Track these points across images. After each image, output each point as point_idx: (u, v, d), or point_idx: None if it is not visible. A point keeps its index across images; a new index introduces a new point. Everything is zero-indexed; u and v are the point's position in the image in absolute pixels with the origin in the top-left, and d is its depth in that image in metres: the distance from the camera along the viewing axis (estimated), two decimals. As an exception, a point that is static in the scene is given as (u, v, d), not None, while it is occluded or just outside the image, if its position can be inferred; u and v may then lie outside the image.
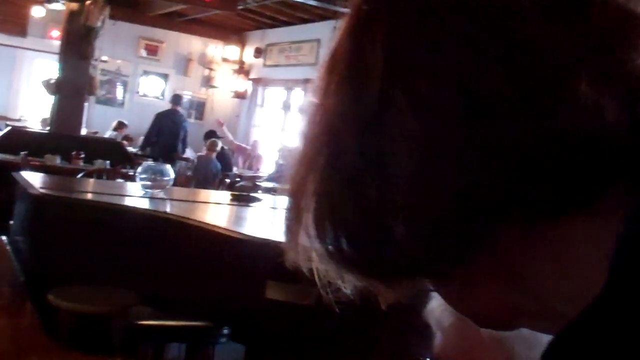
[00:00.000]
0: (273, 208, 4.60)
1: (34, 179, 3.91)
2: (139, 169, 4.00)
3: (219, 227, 3.09)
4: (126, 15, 11.87)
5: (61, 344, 2.82)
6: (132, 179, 6.49)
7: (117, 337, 3.00)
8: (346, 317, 2.97)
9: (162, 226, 3.23)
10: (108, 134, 11.29)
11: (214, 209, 4.07)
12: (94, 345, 3.00)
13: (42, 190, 3.45)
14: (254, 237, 3.03)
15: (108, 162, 8.12)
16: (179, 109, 11.20)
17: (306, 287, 3.02)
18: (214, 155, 9.87)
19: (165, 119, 10.80)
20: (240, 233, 3.06)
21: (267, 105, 13.29)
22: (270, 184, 9.81)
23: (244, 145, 12.26)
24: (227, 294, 2.96)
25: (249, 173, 11.04)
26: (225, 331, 2.78)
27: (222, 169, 9.82)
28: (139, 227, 3.28)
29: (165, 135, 10.64)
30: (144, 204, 3.66)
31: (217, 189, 9.12)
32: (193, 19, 12.60)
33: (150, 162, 4.00)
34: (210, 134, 10.49)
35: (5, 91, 12.86)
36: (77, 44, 8.88)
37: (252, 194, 4.49)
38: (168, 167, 4.01)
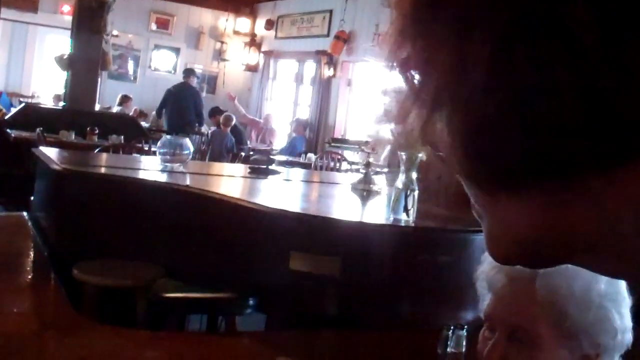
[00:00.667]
0: (289, 180, 4.61)
1: (53, 155, 3.92)
2: (158, 143, 4.00)
3: (241, 200, 3.09)
4: (137, -12, 11.85)
5: (87, 318, 2.84)
6: (147, 153, 6.51)
7: (142, 310, 3.02)
8: (369, 287, 2.99)
9: (185, 199, 3.23)
10: (115, 109, 11.30)
11: (234, 182, 4.07)
12: (120, 318, 3.02)
13: (63, 166, 3.46)
14: (276, 208, 3.04)
15: (122, 137, 8.15)
16: (192, 82, 11.18)
17: (330, 257, 3.03)
18: (228, 130, 9.87)
19: (176, 93, 10.80)
20: (263, 205, 3.07)
21: (280, 78, 13.26)
22: (283, 157, 9.83)
23: (256, 119, 12.25)
24: (251, 266, 2.97)
25: (263, 147, 11.04)
26: (251, 302, 2.80)
27: (236, 142, 9.82)
28: (161, 201, 3.29)
29: (176, 109, 10.65)
30: (164, 177, 3.67)
31: (231, 162, 9.16)
32: (204, -9, 12.55)
33: (168, 137, 4.00)
34: (215, 111, 10.46)
35: (18, 68, 12.87)
36: (89, 18, 8.86)
37: (269, 167, 4.48)
38: (187, 140, 4.01)
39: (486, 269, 1.48)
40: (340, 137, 10.54)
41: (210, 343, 2.62)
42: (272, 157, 9.90)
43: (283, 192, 4.01)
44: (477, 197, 0.45)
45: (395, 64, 0.46)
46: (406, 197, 2.99)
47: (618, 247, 0.41)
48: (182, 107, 10.67)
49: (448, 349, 2.69)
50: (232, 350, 2.51)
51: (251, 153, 9.87)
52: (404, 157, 3.00)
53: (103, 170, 3.78)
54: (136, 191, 3.38)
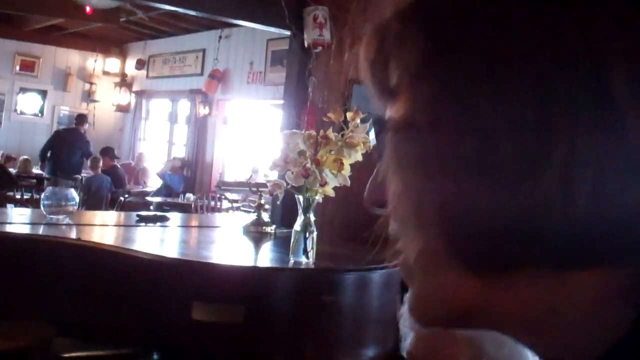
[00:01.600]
0: (182, 226, 4.55)
1: None
2: (43, 195, 3.85)
3: (137, 251, 3.03)
4: (0, 30, 11.40)
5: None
6: (21, 203, 6.25)
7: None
8: (273, 331, 3.00)
9: (77, 253, 3.13)
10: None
11: (124, 232, 3.98)
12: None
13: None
14: (176, 258, 3.00)
15: (-8, 185, 7.77)
16: (83, 129, 10.88)
17: (233, 306, 3.01)
18: (99, 171, 9.62)
19: (66, 137, 10.46)
20: (161, 255, 3.02)
21: (153, 117, 13.08)
22: (159, 199, 9.65)
23: (128, 161, 12.00)
24: (152, 318, 2.91)
25: (137, 188, 10.81)
26: (155, 356, 2.74)
27: (116, 186, 9.57)
28: (50, 256, 3.17)
29: (65, 152, 10.28)
30: (51, 231, 3.54)
31: (107, 208, 8.90)
32: (72, 33, 12.23)
33: (53, 188, 3.87)
34: (106, 151, 10.19)
35: None
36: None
37: (158, 214, 4.42)
38: (72, 191, 3.89)
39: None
40: (227, 180, 10.48)
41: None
42: (148, 199, 9.71)
43: (177, 239, 3.96)
44: (418, 256, 0.46)
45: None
46: (305, 239, 3.03)
47: (550, 330, 0.44)
48: (72, 151, 10.30)
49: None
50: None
51: (126, 196, 9.65)
52: (300, 200, 3.05)
53: (-16, 226, 3.59)
54: (24, 247, 3.24)
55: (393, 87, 0.46)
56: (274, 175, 3.23)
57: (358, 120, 3.04)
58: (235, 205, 9.05)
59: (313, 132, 3.10)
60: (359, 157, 3.01)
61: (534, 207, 0.40)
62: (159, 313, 2.90)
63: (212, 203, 8.85)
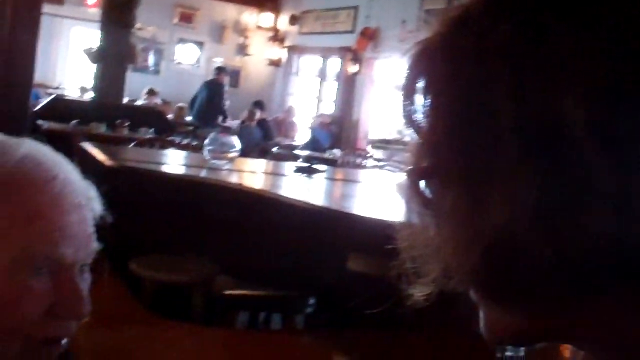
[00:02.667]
0: (339, 180, 4.63)
1: (98, 150, 3.95)
2: (206, 141, 4.02)
3: (298, 200, 3.12)
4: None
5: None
6: (179, 147, 6.54)
7: (198, 306, 3.05)
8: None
9: (239, 198, 3.26)
10: (140, 102, 11.33)
11: (282, 180, 4.10)
12: (176, 314, 3.05)
13: (118, 162, 3.50)
14: (335, 209, 3.06)
15: (152, 130, 8.19)
16: (222, 80, 11.27)
17: (389, 259, 3.04)
18: (254, 123, 9.90)
19: (205, 88, 10.89)
20: (321, 206, 3.09)
21: (303, 73, 13.26)
22: (306, 152, 9.82)
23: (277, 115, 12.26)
24: (310, 265, 3.00)
25: (286, 142, 11.04)
26: (311, 301, 2.82)
27: (264, 137, 9.84)
28: (214, 199, 3.32)
29: (203, 103, 10.72)
30: (213, 175, 3.69)
31: (258, 157, 9.17)
32: (229, -14, 12.56)
33: (216, 134, 4.02)
34: (257, 104, 10.47)
35: (44, 60, 12.89)
36: (119, 12, 8.90)
37: (313, 166, 4.50)
38: (235, 138, 4.03)
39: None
40: (384, 138, 10.48)
41: (273, 341, 2.65)
42: (295, 152, 9.92)
43: (334, 192, 4.03)
44: (478, 297, 0.48)
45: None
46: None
47: (611, 344, 0.44)
48: (211, 101, 10.73)
49: (507, 353, 2.72)
50: (294, 349, 2.53)
51: (275, 148, 9.89)
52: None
53: (153, 166, 3.80)
54: (190, 188, 3.41)
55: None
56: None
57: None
58: (380, 164, 9.09)
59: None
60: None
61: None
62: (317, 261, 2.98)
63: (358, 160, 8.93)
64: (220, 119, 10.73)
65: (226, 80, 11.50)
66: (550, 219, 0.40)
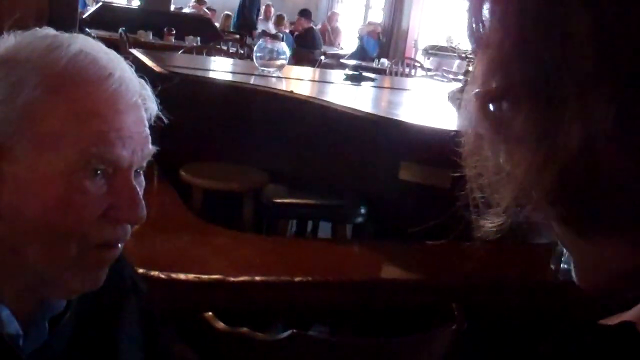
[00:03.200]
0: (390, 88, 4.55)
1: (148, 57, 3.92)
2: (255, 47, 3.97)
3: (348, 107, 3.06)
4: None
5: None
6: (228, 55, 6.49)
7: (248, 214, 3.06)
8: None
9: (288, 105, 3.22)
10: (186, 9, 11.24)
11: (331, 88, 4.03)
12: (225, 221, 3.06)
13: (168, 68, 3.47)
14: (386, 117, 3.00)
15: (198, 38, 8.13)
16: None
17: (440, 169, 2.99)
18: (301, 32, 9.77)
19: None
20: (371, 113, 3.03)
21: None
22: (353, 61, 9.68)
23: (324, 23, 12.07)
24: (360, 173, 2.97)
25: (331, 50, 10.89)
26: (362, 210, 2.80)
27: (309, 46, 9.71)
28: (265, 107, 3.29)
29: (243, 9, 10.59)
30: (263, 82, 3.65)
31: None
32: None
33: (264, 41, 3.95)
34: (303, 13, 10.29)
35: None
36: None
37: (362, 73, 4.42)
38: (283, 45, 3.96)
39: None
40: (435, 44, 10.28)
41: (322, 249, 2.66)
42: (342, 61, 9.78)
43: (383, 100, 3.96)
44: (564, 235, 0.46)
45: None
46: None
47: None
48: (249, 7, 10.59)
49: (561, 265, 2.68)
50: (343, 258, 2.53)
51: (322, 57, 9.76)
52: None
53: (203, 73, 3.77)
54: (239, 95, 3.38)
55: None
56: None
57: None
58: (429, 73, 8.93)
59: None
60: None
61: None
62: (367, 169, 2.95)
63: (407, 70, 8.77)
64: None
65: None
66: (632, 133, 0.37)
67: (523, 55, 0.41)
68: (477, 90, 0.45)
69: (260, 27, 11.02)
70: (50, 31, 0.88)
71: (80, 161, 0.81)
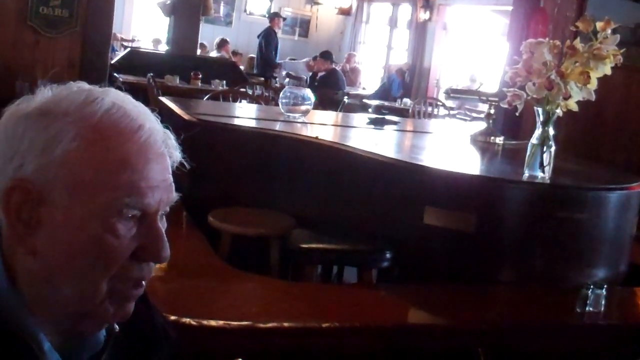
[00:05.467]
0: (407, 131, 4.60)
1: (176, 104, 4.01)
2: (281, 94, 4.05)
3: (373, 152, 3.12)
4: None
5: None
6: (252, 99, 6.59)
7: (275, 259, 3.11)
8: (504, 245, 2.98)
9: (315, 151, 3.28)
10: (212, 53, 11.42)
11: (356, 133, 4.10)
12: (252, 266, 3.11)
13: (197, 117, 3.56)
14: (410, 162, 3.05)
15: (224, 81, 8.26)
16: (276, 26, 11.18)
17: (465, 214, 3.03)
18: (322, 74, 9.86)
19: (261, 37, 10.89)
20: (396, 159, 3.09)
21: (373, 21, 13.11)
22: (376, 102, 9.76)
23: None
24: (386, 219, 3.01)
25: (354, 90, 10.98)
26: (388, 255, 2.84)
27: (332, 87, 9.79)
28: (291, 152, 3.35)
29: (260, 51, 10.73)
30: (289, 128, 3.72)
31: (329, 108, 9.16)
32: None
33: (291, 87, 4.04)
34: (324, 55, 10.41)
35: (118, 12, 13.08)
36: (189, -37, 8.94)
37: (385, 117, 4.48)
38: (308, 91, 4.04)
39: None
40: (457, 86, 10.36)
41: (348, 295, 2.69)
42: (365, 101, 9.86)
43: (407, 144, 4.02)
44: None
45: None
46: (542, 152, 2.95)
47: None
48: (262, 52, 10.71)
49: (587, 308, 2.70)
50: (369, 302, 2.56)
51: (346, 98, 9.86)
52: (540, 112, 2.96)
53: (230, 120, 3.85)
54: (266, 142, 3.45)
55: None
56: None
57: (609, 31, 2.87)
58: (452, 112, 8.98)
59: (558, 42, 2.97)
60: (608, 71, 2.86)
61: None
62: (393, 214, 2.99)
63: (430, 109, 8.83)
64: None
65: (278, 24, 11.34)
66: None
67: None
68: None
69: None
70: (84, 85, 0.96)
71: (113, 207, 0.88)
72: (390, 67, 11.12)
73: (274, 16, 11.31)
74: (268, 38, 10.90)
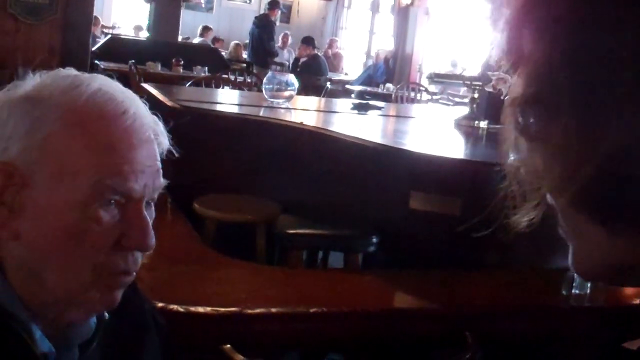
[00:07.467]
0: (397, 116, 4.60)
1: (159, 90, 3.98)
2: (265, 79, 4.03)
3: (358, 137, 3.11)
4: None
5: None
6: (235, 85, 6.55)
7: (261, 245, 3.10)
8: (489, 228, 2.98)
9: (300, 136, 3.27)
10: (196, 39, 11.34)
11: (340, 118, 4.09)
12: (238, 252, 3.10)
13: (180, 103, 3.53)
14: (394, 147, 3.05)
15: (206, 68, 8.21)
16: (272, 15, 11.07)
17: (450, 197, 3.02)
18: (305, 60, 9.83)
19: (256, 25, 10.78)
20: (381, 143, 3.08)
21: (354, 6, 13.08)
22: (359, 87, 9.74)
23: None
24: (371, 204, 3.01)
25: (336, 76, 10.95)
26: (374, 239, 2.84)
27: (315, 73, 9.77)
28: (275, 138, 3.34)
29: (254, 39, 10.64)
30: (273, 114, 3.70)
31: (311, 94, 9.13)
32: None
33: (274, 73, 4.02)
34: (306, 40, 10.36)
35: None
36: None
37: (369, 102, 4.48)
38: (292, 77, 4.03)
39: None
40: (439, 72, 10.36)
41: (334, 280, 2.69)
42: (348, 87, 9.85)
43: (391, 129, 4.02)
44: (566, 220, 0.50)
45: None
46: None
47: None
48: (262, 41, 10.60)
49: (573, 291, 2.71)
50: (355, 287, 2.56)
51: (328, 84, 9.83)
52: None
53: (214, 106, 3.83)
54: (250, 128, 3.43)
55: None
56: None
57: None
58: (434, 97, 8.98)
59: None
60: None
61: None
62: (379, 199, 2.99)
63: (412, 94, 8.83)
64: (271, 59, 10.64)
65: (276, 14, 11.25)
66: None
67: (569, 68, 0.45)
68: (512, 97, 0.49)
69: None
70: (72, 71, 0.95)
71: (95, 192, 0.87)
72: (379, 54, 11.08)
73: (274, 6, 11.17)
74: (268, 28, 10.78)
